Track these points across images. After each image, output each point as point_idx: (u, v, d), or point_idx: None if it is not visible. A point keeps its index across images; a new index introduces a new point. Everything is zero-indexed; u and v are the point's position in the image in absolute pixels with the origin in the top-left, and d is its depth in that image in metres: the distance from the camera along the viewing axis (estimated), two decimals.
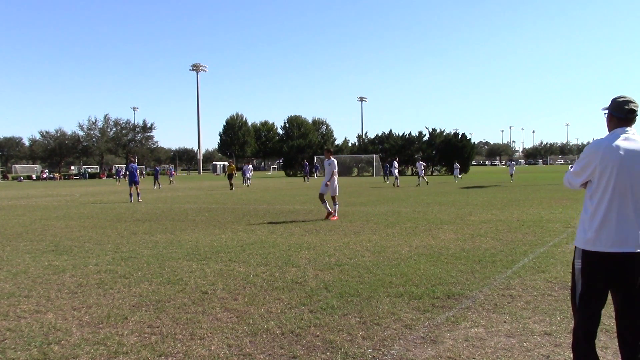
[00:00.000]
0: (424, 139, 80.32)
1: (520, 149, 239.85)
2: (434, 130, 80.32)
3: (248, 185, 42.65)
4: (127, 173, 27.37)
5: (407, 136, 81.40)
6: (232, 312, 6.21)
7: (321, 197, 16.50)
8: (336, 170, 16.56)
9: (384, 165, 50.18)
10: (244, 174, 45.76)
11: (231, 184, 37.71)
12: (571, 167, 4.06)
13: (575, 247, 3.90)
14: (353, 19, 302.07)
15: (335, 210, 16.25)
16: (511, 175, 43.73)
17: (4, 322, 5.99)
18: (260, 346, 5.09)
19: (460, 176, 48.58)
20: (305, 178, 54.53)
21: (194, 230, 13.99)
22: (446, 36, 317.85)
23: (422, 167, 42.18)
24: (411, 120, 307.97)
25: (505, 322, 5.69)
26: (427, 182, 41.72)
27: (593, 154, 3.76)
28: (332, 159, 16.68)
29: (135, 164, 27.31)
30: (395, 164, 39.67)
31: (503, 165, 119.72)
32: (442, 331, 5.42)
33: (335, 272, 8.25)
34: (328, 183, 16.43)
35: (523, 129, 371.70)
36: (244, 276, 8.10)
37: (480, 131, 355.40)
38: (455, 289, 7.07)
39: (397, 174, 39.60)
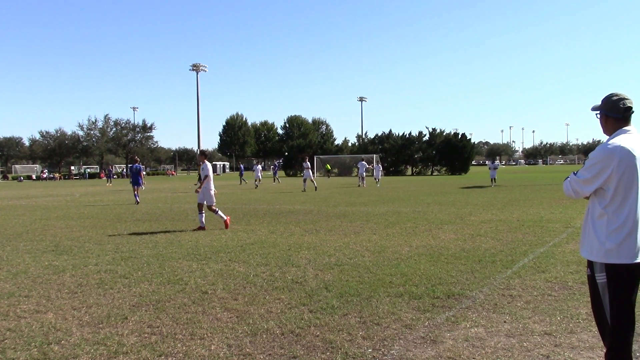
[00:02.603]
0: (424, 138, 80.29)
1: (520, 149, 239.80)
2: (434, 130, 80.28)
3: (256, 187, 40.63)
4: (130, 174, 26.26)
5: (407, 136, 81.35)
6: (232, 312, 6.21)
7: (199, 207, 14.48)
8: (210, 175, 14.56)
9: (273, 166, 51.22)
10: (256, 173, 43.36)
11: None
12: (574, 173, 3.70)
13: (593, 262, 3.59)
14: (353, 19, 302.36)
15: (223, 216, 14.31)
16: (493, 180, 36.32)
17: (4, 322, 5.99)
18: (260, 346, 5.09)
19: (379, 179, 43.25)
20: (275, 179, 51.46)
21: (193, 230, 13.99)
22: (446, 36, 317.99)
23: (364, 169, 40.78)
24: (411, 120, 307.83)
25: (505, 322, 5.69)
26: (360, 185, 39.85)
27: (608, 159, 3.45)
28: (206, 162, 14.75)
29: (139, 165, 26.18)
30: (364, 165, 40.60)
31: (484, 164, 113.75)
32: (442, 331, 5.42)
33: (335, 272, 8.25)
34: (199, 190, 14.63)
35: (523, 129, 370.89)
36: (244, 276, 8.11)
37: (480, 131, 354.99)
38: (455, 289, 7.07)
39: (364, 175, 40.24)
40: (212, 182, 14.55)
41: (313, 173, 32.71)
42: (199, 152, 15.71)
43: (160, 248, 10.99)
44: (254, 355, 4.87)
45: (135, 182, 25.04)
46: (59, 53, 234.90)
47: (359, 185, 38.84)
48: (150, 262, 9.40)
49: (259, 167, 44.84)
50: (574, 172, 3.73)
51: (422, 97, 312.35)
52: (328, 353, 4.88)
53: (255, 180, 42.60)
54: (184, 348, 5.06)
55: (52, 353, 4.99)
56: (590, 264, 3.62)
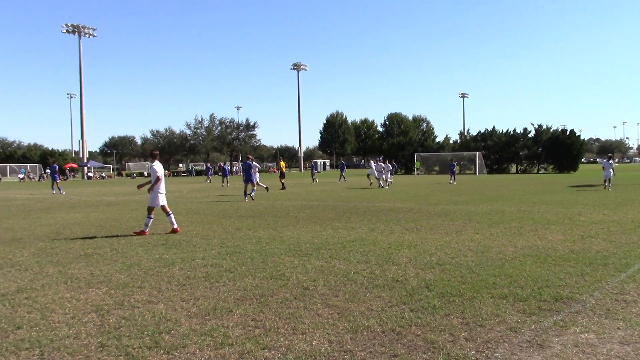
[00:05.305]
0: (529, 135, 77.59)
1: (635, 146, 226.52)
2: (540, 126, 77.45)
3: (387, 186, 35.88)
4: (242, 171, 26.11)
5: (512, 133, 78.84)
6: (333, 309, 6.27)
7: (150, 210, 13.52)
8: (159, 175, 13.41)
9: (341, 164, 48.97)
10: (379, 173, 37.39)
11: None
12: None
13: None
14: (453, 15, 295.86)
15: (147, 225, 13.36)
16: (607, 181, 29.03)
17: (119, 311, 6.35)
18: (361, 343, 5.10)
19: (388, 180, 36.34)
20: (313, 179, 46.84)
21: (295, 226, 14.23)
22: (549, 31, 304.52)
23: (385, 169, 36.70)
24: (515, 117, 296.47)
25: (619, 328, 5.40)
26: (378, 185, 36.32)
27: None
28: (156, 163, 13.60)
29: (252, 162, 25.39)
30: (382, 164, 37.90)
31: (595, 162, 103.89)
32: (549, 335, 5.22)
33: (437, 272, 8.13)
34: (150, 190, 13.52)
35: (638, 124, 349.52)
36: (345, 273, 8.15)
37: (591, 127, 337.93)
38: (563, 292, 6.79)
39: (376, 175, 37.02)
40: (163, 184, 13.61)
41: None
42: (151, 152, 14.22)
43: (263, 244, 11.26)
44: (355, 352, 4.89)
45: (247, 180, 24.87)
46: (169, 57, 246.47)
47: (379, 185, 35.78)
48: (254, 257, 9.65)
49: (383, 165, 39.81)
50: None
51: (527, 93, 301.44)
52: (429, 353, 4.82)
53: (388, 180, 36.67)
54: (287, 342, 5.16)
55: (163, 342, 5.24)
56: None
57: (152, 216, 13.52)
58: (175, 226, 13.50)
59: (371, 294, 6.92)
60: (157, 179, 13.43)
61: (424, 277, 7.76)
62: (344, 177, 48.03)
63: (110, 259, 9.86)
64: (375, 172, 37.21)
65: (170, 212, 13.64)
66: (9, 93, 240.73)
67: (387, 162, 38.50)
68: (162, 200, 13.58)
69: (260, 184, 29.41)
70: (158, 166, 13.62)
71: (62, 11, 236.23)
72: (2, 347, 5.17)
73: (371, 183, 37.50)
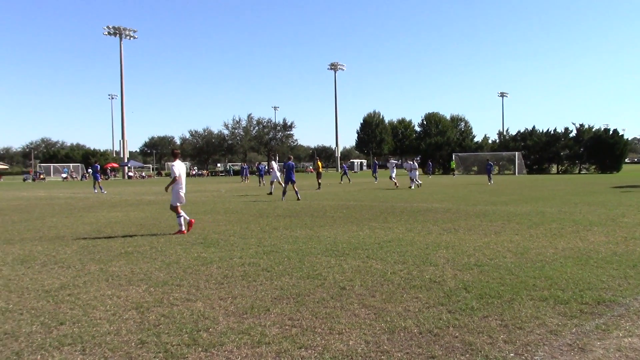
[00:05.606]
0: (571, 135, 76.07)
1: None
2: (581, 126, 75.88)
3: (418, 186, 35.20)
4: (284, 170, 26.14)
5: (552, 132, 77.39)
6: (369, 309, 6.25)
7: (176, 209, 13.52)
8: (177, 175, 13.40)
9: (373, 163, 48.07)
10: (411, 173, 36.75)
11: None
12: None
13: None
14: (491, 13, 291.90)
15: (180, 224, 13.35)
16: None
17: (159, 309, 6.45)
18: (397, 344, 5.08)
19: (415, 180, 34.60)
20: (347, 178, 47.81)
21: (332, 226, 14.23)
22: (588, 27, 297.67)
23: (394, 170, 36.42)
24: (556, 116, 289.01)
25: None
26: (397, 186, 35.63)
27: None
28: (177, 162, 13.68)
29: (292, 162, 25.95)
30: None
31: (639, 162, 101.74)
32: (591, 339, 5.11)
33: (475, 273, 8.04)
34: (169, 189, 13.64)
35: None
36: (382, 273, 8.12)
37: (635, 126, 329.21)
38: (606, 295, 6.64)
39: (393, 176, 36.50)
40: (182, 183, 13.58)
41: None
42: (172, 150, 14.34)
43: (300, 243, 11.29)
44: (392, 353, 4.87)
45: (288, 179, 25.06)
46: (207, 58, 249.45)
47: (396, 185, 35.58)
48: (291, 257, 9.69)
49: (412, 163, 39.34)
50: None
51: (568, 92, 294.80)
52: (467, 355, 4.77)
53: (417, 180, 35.63)
54: (323, 342, 5.17)
55: (201, 339, 5.30)
56: None
57: (181, 214, 13.45)
58: (188, 218, 13.53)
59: (408, 294, 6.89)
60: (174, 179, 13.43)
61: (461, 278, 7.68)
62: (375, 177, 48.35)
63: (150, 257, 10.03)
64: (394, 172, 37.08)
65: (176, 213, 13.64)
66: (53, 95, 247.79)
67: (413, 161, 38.35)
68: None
69: (271, 186, 29.84)
70: (178, 166, 13.57)
71: (103, 13, 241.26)
72: (46, 342, 5.30)
73: (396, 185, 35.77)
